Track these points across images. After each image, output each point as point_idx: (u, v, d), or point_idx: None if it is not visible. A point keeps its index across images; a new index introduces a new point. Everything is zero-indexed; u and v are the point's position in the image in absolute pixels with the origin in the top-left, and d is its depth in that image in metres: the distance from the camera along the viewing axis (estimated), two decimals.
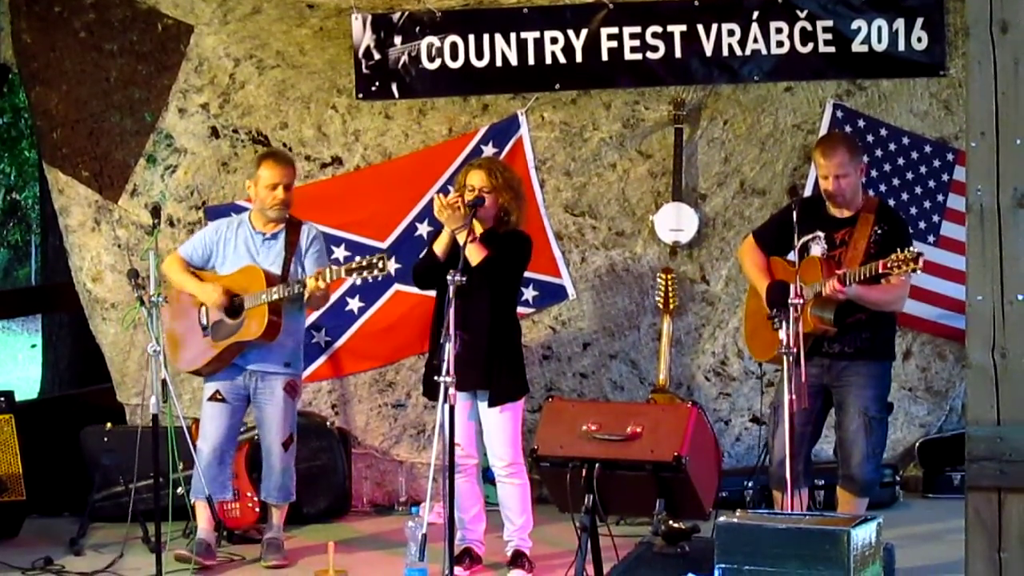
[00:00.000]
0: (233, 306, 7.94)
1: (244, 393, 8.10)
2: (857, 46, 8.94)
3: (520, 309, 8.28)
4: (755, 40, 9.01)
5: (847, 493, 7.49)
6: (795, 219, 7.23)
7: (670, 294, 8.87)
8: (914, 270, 7.01)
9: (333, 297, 9.29)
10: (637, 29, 9.09)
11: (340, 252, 9.26)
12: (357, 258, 7.89)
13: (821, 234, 7.46)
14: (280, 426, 8.06)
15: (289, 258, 8.00)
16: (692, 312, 9.33)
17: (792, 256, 7.44)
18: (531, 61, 9.19)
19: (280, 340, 7.95)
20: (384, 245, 9.29)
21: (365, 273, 7.66)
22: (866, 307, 7.35)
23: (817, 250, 7.43)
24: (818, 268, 7.34)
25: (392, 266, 9.24)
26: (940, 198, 9.06)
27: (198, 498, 8.00)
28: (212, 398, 8.06)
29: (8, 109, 15.29)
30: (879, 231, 7.38)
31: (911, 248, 7.09)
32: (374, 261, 7.61)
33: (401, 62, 9.31)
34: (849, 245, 7.39)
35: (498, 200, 7.67)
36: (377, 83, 9.34)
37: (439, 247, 7.66)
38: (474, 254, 7.51)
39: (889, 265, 7.03)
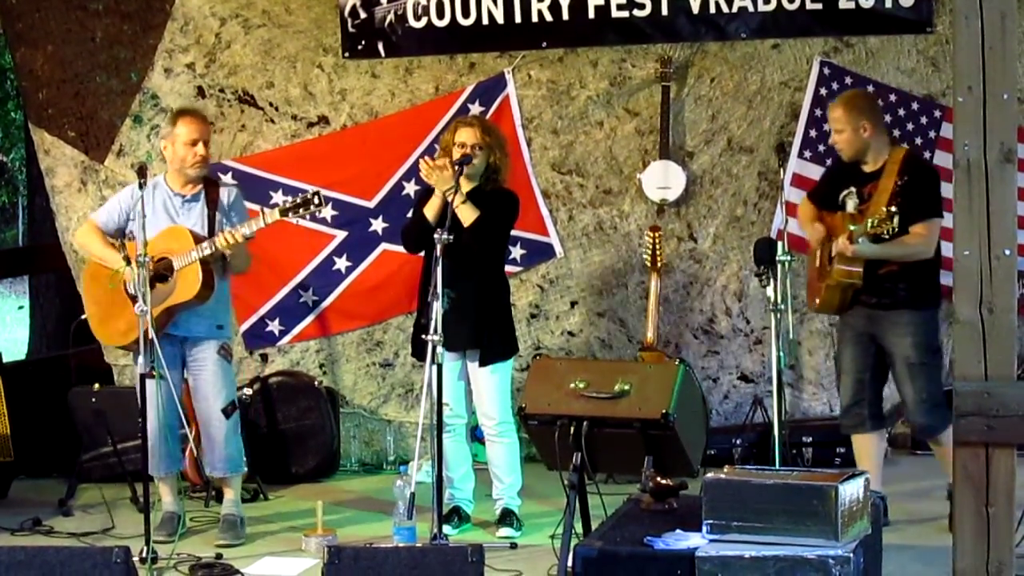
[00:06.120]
0: (160, 270, 7.50)
1: (179, 363, 7.75)
2: (844, 3, 8.88)
3: (508, 268, 8.26)
4: None
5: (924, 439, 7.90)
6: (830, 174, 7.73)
7: (658, 252, 8.85)
8: (892, 229, 7.11)
9: (320, 257, 9.30)
10: None
11: (327, 212, 9.22)
12: (291, 197, 7.58)
13: (853, 189, 7.55)
14: (218, 392, 7.72)
15: (213, 215, 7.68)
16: (680, 270, 9.32)
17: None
18: (518, 19, 9.13)
19: (211, 303, 7.62)
20: (371, 204, 9.29)
21: (301, 211, 7.44)
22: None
23: (850, 205, 7.54)
24: (844, 223, 7.43)
25: (380, 225, 9.29)
26: (927, 155, 9.04)
27: (156, 475, 7.74)
28: (148, 375, 7.35)
29: None
30: (900, 183, 7.40)
31: (888, 207, 7.16)
32: (309, 197, 7.39)
33: (387, 21, 9.27)
34: (873, 198, 7.44)
35: (489, 158, 7.65)
36: (363, 42, 9.30)
37: (431, 211, 7.59)
38: (466, 214, 7.48)
39: (871, 227, 7.15)
